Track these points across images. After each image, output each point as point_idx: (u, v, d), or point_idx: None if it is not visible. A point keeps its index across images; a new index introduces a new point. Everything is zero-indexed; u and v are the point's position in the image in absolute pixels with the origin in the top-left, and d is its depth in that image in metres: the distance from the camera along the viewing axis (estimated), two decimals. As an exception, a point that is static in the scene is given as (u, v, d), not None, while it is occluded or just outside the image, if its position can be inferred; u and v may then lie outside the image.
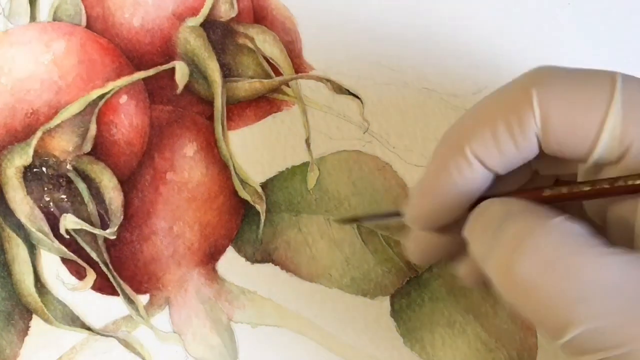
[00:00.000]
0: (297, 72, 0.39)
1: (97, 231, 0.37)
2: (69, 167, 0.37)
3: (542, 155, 0.29)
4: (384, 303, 0.38)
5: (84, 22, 0.39)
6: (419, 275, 0.38)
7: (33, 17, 0.39)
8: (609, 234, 0.29)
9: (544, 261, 0.26)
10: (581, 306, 0.25)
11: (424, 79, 0.39)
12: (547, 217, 0.27)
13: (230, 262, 0.38)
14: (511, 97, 0.28)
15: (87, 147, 0.37)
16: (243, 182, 0.38)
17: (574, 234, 0.26)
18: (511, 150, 0.28)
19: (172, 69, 0.38)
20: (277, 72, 0.39)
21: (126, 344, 0.37)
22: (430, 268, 0.38)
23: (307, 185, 0.39)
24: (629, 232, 0.28)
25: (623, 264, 0.25)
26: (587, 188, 0.28)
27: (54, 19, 0.39)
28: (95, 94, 0.37)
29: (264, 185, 0.38)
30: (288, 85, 0.39)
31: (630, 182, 0.27)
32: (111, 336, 0.37)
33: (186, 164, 0.38)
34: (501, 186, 0.30)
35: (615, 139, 0.27)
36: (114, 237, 0.37)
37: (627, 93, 0.27)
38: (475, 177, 0.29)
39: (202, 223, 0.38)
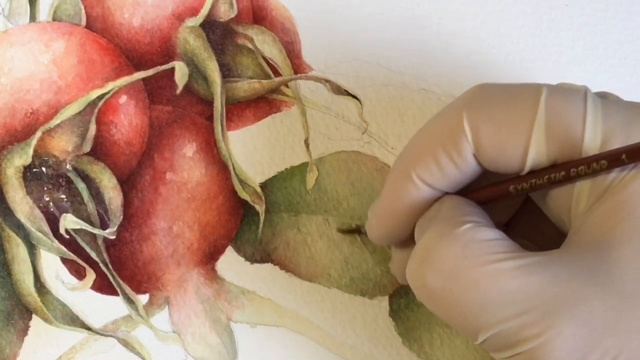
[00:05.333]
0: (296, 72, 0.39)
1: (96, 231, 0.37)
2: (68, 167, 0.37)
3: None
4: (383, 303, 0.38)
5: (83, 22, 0.39)
6: (418, 275, 0.38)
7: (33, 17, 0.39)
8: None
9: (447, 272, 0.28)
10: (483, 315, 0.27)
11: (422, 80, 0.39)
12: (457, 225, 0.29)
13: (230, 262, 0.38)
14: (446, 122, 0.30)
15: (87, 147, 0.37)
16: (242, 183, 0.38)
17: (478, 242, 0.28)
18: (453, 171, 0.30)
19: (172, 69, 0.38)
20: (277, 73, 0.39)
21: (126, 344, 0.37)
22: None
23: (306, 186, 0.39)
24: (565, 215, 0.30)
25: (519, 271, 0.27)
26: (540, 181, 0.29)
27: (54, 19, 0.39)
28: (94, 94, 0.37)
29: (263, 186, 0.39)
30: (287, 86, 0.39)
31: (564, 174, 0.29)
32: (111, 336, 0.37)
33: (186, 164, 0.38)
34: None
35: (542, 156, 0.29)
36: (114, 237, 0.37)
37: (550, 109, 0.28)
38: (425, 196, 0.31)
39: (202, 223, 0.38)
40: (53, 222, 0.37)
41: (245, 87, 0.39)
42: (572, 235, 0.29)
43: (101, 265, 0.37)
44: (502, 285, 0.27)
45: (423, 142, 0.30)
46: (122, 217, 0.37)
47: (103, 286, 0.38)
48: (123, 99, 0.38)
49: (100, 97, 0.37)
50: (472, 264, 0.28)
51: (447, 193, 0.31)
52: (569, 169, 0.28)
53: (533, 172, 0.29)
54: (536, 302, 0.27)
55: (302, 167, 0.39)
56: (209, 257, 0.38)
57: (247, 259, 0.38)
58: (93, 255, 0.37)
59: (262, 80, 0.39)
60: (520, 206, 0.34)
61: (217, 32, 0.39)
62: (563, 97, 0.28)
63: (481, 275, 0.27)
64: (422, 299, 0.29)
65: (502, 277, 0.27)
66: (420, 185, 0.30)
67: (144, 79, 0.38)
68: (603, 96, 0.30)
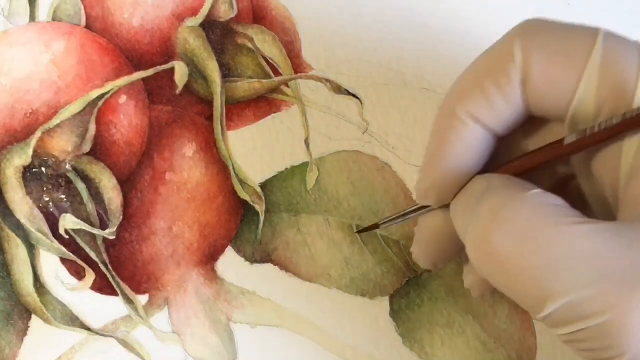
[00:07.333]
0: (296, 72, 0.39)
1: (96, 231, 0.37)
2: (68, 167, 0.37)
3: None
4: (383, 303, 0.38)
5: (83, 22, 0.39)
6: (418, 275, 0.38)
7: (32, 17, 0.39)
8: (596, 198, 0.29)
9: (518, 233, 0.26)
10: (555, 280, 0.25)
11: (423, 79, 0.39)
12: (523, 190, 0.27)
13: (230, 262, 0.38)
14: (496, 51, 0.29)
15: (87, 147, 0.37)
16: (242, 182, 0.38)
17: (548, 205, 0.26)
18: (500, 102, 0.28)
19: (172, 69, 0.38)
20: (277, 72, 0.39)
21: (125, 344, 0.37)
22: (429, 268, 0.38)
23: (306, 186, 0.39)
24: (615, 184, 0.28)
25: (594, 234, 0.25)
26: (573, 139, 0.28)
27: (54, 19, 0.39)
28: (94, 93, 0.37)
29: (263, 186, 0.38)
30: (287, 85, 0.39)
31: (614, 122, 0.27)
32: (110, 336, 0.37)
33: (185, 164, 0.38)
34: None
35: (591, 94, 0.27)
36: (113, 237, 0.37)
37: (607, 48, 0.27)
38: (474, 137, 0.29)
39: (201, 223, 0.38)
40: (52, 222, 0.37)
41: (245, 86, 0.39)
42: (628, 206, 0.27)
43: (100, 265, 0.37)
44: (577, 247, 0.25)
45: (470, 74, 0.29)
46: (121, 217, 0.37)
47: (102, 286, 0.37)
48: (123, 98, 0.38)
49: (99, 97, 0.37)
50: (546, 224, 0.26)
51: (487, 174, 0.29)
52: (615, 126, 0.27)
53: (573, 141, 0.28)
54: (613, 268, 0.25)
55: (302, 167, 0.39)
56: (208, 257, 0.38)
57: (247, 259, 0.38)
58: (92, 255, 0.37)
59: (262, 80, 0.39)
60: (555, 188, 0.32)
61: (217, 32, 0.39)
62: (620, 42, 0.27)
63: (555, 235, 0.25)
64: (486, 265, 0.27)
65: (577, 239, 0.25)
66: (466, 120, 0.29)
67: (143, 79, 0.38)
68: None
